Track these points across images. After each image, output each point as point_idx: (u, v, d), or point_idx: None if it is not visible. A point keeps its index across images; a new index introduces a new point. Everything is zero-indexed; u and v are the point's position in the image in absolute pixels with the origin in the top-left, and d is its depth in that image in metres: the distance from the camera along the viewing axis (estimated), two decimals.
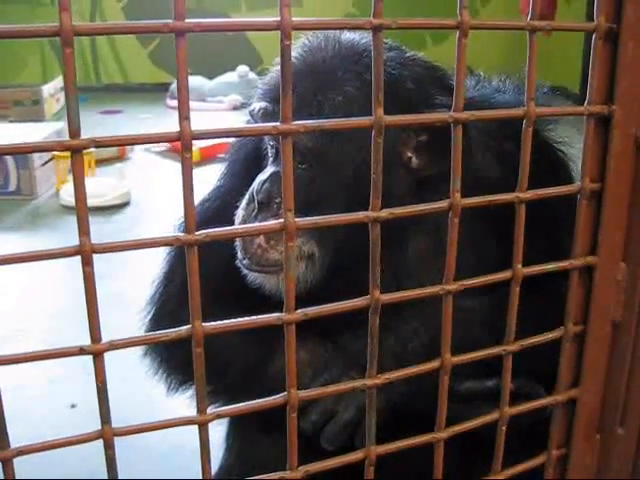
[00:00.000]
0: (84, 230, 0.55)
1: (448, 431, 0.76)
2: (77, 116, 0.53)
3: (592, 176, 0.77)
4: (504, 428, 0.81)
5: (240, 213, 1.15)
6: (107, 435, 0.61)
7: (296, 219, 0.60)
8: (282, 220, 0.60)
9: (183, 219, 0.58)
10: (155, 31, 0.54)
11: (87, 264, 0.56)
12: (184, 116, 0.55)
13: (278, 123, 0.58)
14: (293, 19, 0.57)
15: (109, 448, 0.62)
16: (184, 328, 0.60)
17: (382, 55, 0.61)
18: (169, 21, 0.54)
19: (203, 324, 0.60)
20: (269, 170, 1.16)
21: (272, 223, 0.60)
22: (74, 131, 0.53)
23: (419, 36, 6.95)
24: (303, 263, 1.14)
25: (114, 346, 0.58)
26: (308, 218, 0.61)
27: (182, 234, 0.58)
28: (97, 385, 0.59)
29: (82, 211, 0.55)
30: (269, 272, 1.14)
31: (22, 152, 0.52)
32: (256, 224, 0.57)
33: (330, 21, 0.60)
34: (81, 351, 0.57)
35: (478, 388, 1.07)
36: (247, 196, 1.15)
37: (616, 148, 0.76)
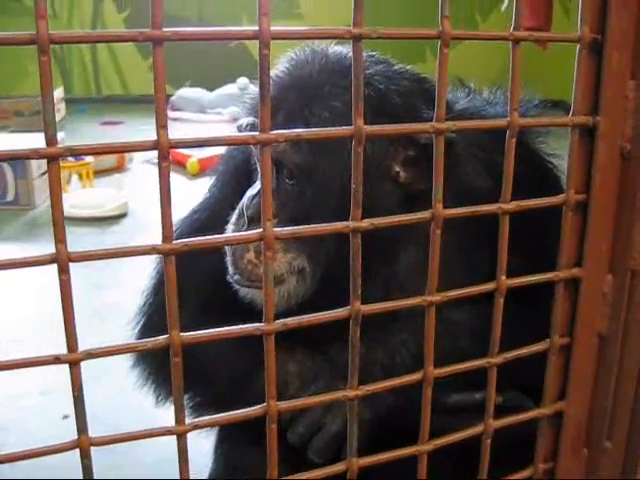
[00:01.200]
0: (60, 238, 0.55)
1: (431, 444, 0.75)
2: (54, 124, 0.53)
3: (577, 187, 0.77)
4: (488, 441, 0.80)
5: (230, 228, 1.15)
6: (83, 444, 0.61)
7: (275, 229, 0.60)
8: (260, 230, 0.60)
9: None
10: (132, 40, 0.54)
11: (63, 272, 0.56)
12: (161, 124, 0.55)
13: (257, 133, 0.58)
14: (271, 28, 0.57)
15: (85, 457, 0.61)
16: (162, 337, 0.60)
17: (362, 65, 0.61)
18: (146, 30, 0.54)
19: (181, 334, 0.60)
20: (258, 185, 1.16)
21: (251, 233, 0.60)
22: (50, 139, 0.53)
23: (419, 49, 6.97)
24: (294, 278, 1.14)
25: (90, 355, 0.58)
26: (287, 228, 0.61)
27: (159, 243, 0.58)
28: (73, 394, 0.59)
29: (58, 219, 0.55)
30: (259, 287, 1.13)
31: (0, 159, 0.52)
32: (235, 234, 0.57)
33: (309, 30, 0.59)
34: (56, 360, 0.57)
35: (467, 401, 1.07)
36: (237, 211, 1.15)
37: (601, 159, 0.76)
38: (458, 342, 1.07)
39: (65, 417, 2.08)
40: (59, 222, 0.55)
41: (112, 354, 0.60)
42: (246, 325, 0.62)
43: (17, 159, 0.52)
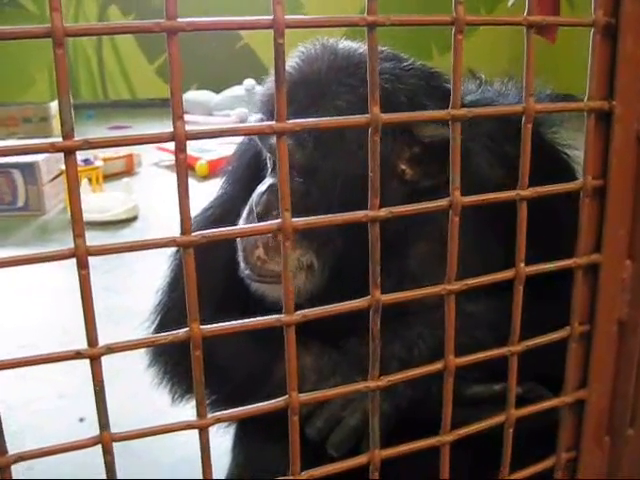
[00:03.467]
0: (78, 232, 0.54)
1: (453, 434, 0.74)
2: (70, 117, 0.53)
3: (594, 173, 0.77)
4: (511, 430, 0.80)
5: (241, 224, 1.14)
6: (106, 440, 0.60)
7: (293, 219, 0.59)
8: (279, 220, 0.59)
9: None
10: (147, 31, 0.53)
11: (82, 267, 0.55)
12: (178, 116, 0.55)
13: (273, 122, 0.58)
14: (286, 17, 0.56)
15: (107, 454, 0.61)
16: (182, 331, 0.60)
17: (377, 53, 0.61)
18: (161, 20, 0.54)
19: (201, 326, 0.59)
20: (267, 182, 1.15)
21: (269, 223, 0.60)
22: (67, 132, 0.53)
23: (425, 46, 6.96)
24: (303, 274, 1.14)
25: (111, 350, 0.58)
26: (305, 218, 0.61)
27: (178, 236, 0.57)
28: (94, 389, 0.59)
29: (76, 213, 0.54)
30: (270, 282, 1.13)
31: (15, 153, 0.52)
32: (253, 225, 0.56)
33: (323, 19, 0.59)
34: (77, 355, 0.57)
35: (485, 392, 1.06)
36: (247, 207, 1.15)
37: (618, 144, 0.75)
38: (474, 334, 1.06)
39: (81, 420, 2.08)
40: (77, 217, 0.55)
41: (132, 348, 0.59)
42: (266, 317, 0.62)
43: (35, 153, 0.52)
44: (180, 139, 0.55)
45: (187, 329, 0.60)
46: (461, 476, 0.81)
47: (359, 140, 1.05)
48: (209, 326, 0.60)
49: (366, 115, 0.61)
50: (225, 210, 1.27)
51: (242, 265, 1.15)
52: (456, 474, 0.78)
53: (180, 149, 0.55)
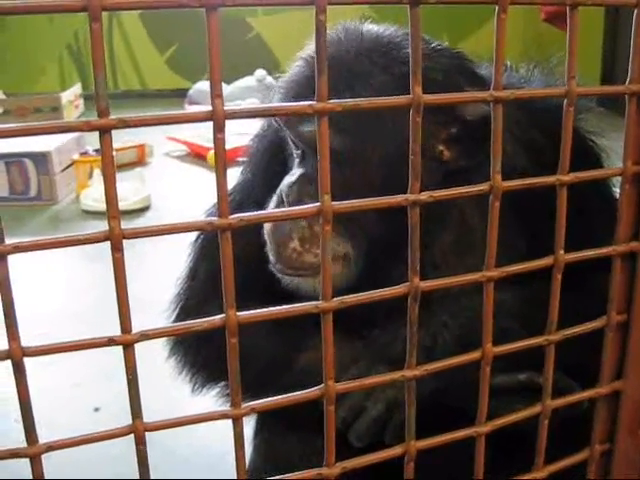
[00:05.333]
0: (113, 214, 0.53)
1: (490, 425, 0.73)
2: (105, 95, 0.51)
3: (635, 158, 0.74)
4: (546, 422, 0.78)
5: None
6: (138, 430, 0.59)
7: (333, 203, 0.58)
8: (319, 204, 0.58)
9: (215, 205, 0.56)
10: (186, 6, 0.51)
11: (117, 250, 0.54)
12: (216, 94, 0.53)
13: (314, 102, 0.56)
14: None
15: (140, 444, 0.59)
16: (217, 317, 0.58)
17: (420, 32, 0.59)
18: None
19: (237, 313, 0.58)
20: (297, 172, 1.13)
21: (309, 207, 0.58)
22: (103, 110, 0.51)
23: (438, 36, 6.93)
24: (338, 264, 1.12)
25: (145, 336, 0.56)
26: (345, 202, 0.59)
27: (215, 218, 0.56)
28: (127, 378, 0.57)
29: (111, 196, 0.53)
30: (305, 275, 1.12)
31: (49, 132, 0.50)
32: (292, 208, 0.55)
33: None
34: (110, 342, 0.55)
35: (510, 382, 1.04)
36: (275, 198, 1.13)
37: None
38: (501, 323, 1.05)
39: (96, 410, 2.07)
40: (112, 199, 0.53)
41: (167, 335, 0.58)
42: (303, 304, 0.60)
43: (71, 131, 0.50)
44: (219, 118, 0.53)
45: (223, 315, 0.58)
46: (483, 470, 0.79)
47: (396, 122, 1.03)
48: (245, 312, 0.58)
49: (408, 95, 0.59)
50: (244, 197, 1.25)
51: (273, 259, 1.13)
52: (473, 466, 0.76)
53: (219, 128, 0.53)
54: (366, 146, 1.08)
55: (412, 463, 0.69)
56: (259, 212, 0.58)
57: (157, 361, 1.28)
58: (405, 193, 0.61)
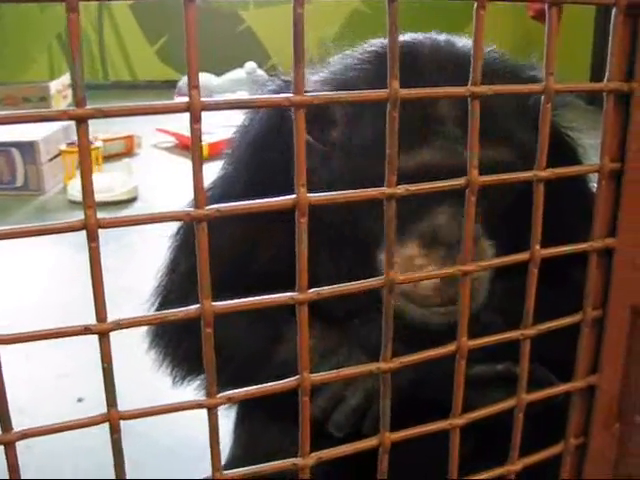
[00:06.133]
0: (89, 204, 0.53)
1: (464, 417, 0.73)
2: (83, 84, 0.51)
3: (612, 155, 0.75)
4: (521, 415, 0.79)
5: None
6: (113, 418, 0.59)
7: (308, 195, 0.58)
8: (294, 196, 0.58)
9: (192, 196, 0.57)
10: None
11: (92, 239, 0.54)
12: (193, 85, 0.53)
13: (291, 94, 0.56)
14: None
15: (115, 432, 0.60)
16: (193, 307, 0.58)
17: (397, 26, 0.59)
18: None
19: (213, 303, 0.58)
20: None
21: (284, 198, 0.58)
22: (79, 100, 0.51)
23: (428, 29, 6.92)
24: None
25: (120, 325, 0.56)
26: (321, 194, 0.59)
27: (192, 209, 0.56)
28: (103, 366, 0.57)
29: (87, 185, 0.53)
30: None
31: (27, 121, 0.50)
32: (267, 200, 0.55)
33: None
34: (86, 330, 0.55)
35: (488, 373, 1.05)
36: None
37: (636, 126, 0.74)
38: (484, 317, 1.05)
39: (79, 400, 2.08)
40: (88, 188, 0.53)
41: (142, 324, 0.58)
42: (278, 295, 0.61)
43: (47, 121, 0.50)
44: (195, 109, 0.53)
45: (198, 306, 0.58)
46: (461, 461, 0.80)
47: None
48: (221, 303, 0.59)
49: (385, 90, 0.59)
50: (225, 191, 1.25)
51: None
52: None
53: (196, 119, 0.53)
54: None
55: (386, 455, 0.70)
56: (237, 203, 0.58)
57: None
58: None
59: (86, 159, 0.52)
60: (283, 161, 1.05)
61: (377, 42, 1.15)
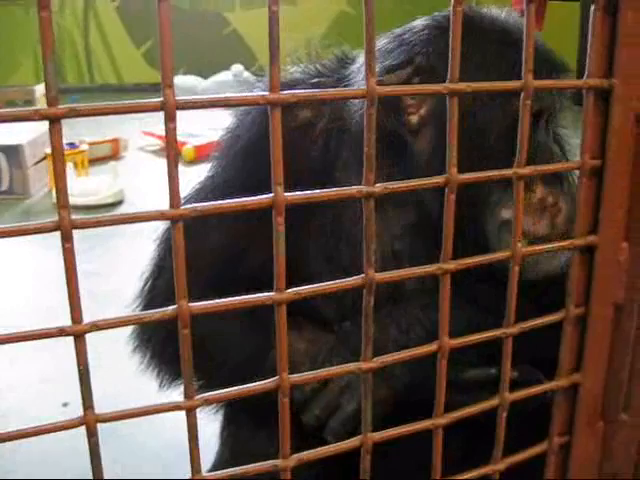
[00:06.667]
0: (63, 204, 0.52)
1: (447, 417, 0.73)
2: (56, 83, 0.51)
3: (592, 152, 0.75)
4: (504, 415, 0.78)
5: None
6: (89, 422, 0.58)
7: (286, 194, 0.58)
8: (271, 195, 0.57)
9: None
10: None
11: (67, 240, 0.53)
12: (167, 84, 0.53)
13: (267, 93, 0.56)
14: None
15: (92, 435, 0.59)
16: (170, 308, 0.58)
17: (374, 23, 0.59)
18: None
19: (190, 304, 0.57)
20: None
21: (261, 197, 0.58)
22: (52, 100, 0.51)
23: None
24: None
25: (97, 327, 0.56)
26: (298, 193, 0.59)
27: (167, 209, 0.55)
28: (78, 368, 0.57)
29: (61, 184, 0.52)
30: None
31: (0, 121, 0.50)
32: (244, 199, 0.54)
33: None
34: (61, 332, 0.55)
35: (482, 376, 1.05)
36: None
37: (617, 123, 0.74)
38: (475, 317, 1.05)
39: (65, 405, 2.06)
40: (61, 187, 0.53)
41: (118, 325, 0.57)
42: (257, 295, 0.60)
43: (19, 121, 0.49)
44: (170, 108, 0.53)
45: (175, 306, 0.58)
46: (451, 461, 0.80)
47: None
48: (198, 303, 0.58)
49: (362, 88, 0.59)
50: (216, 196, 1.23)
51: None
52: (447, 460, 0.77)
53: (170, 118, 0.53)
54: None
55: (368, 456, 0.69)
56: (212, 203, 0.57)
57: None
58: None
59: (59, 159, 0.52)
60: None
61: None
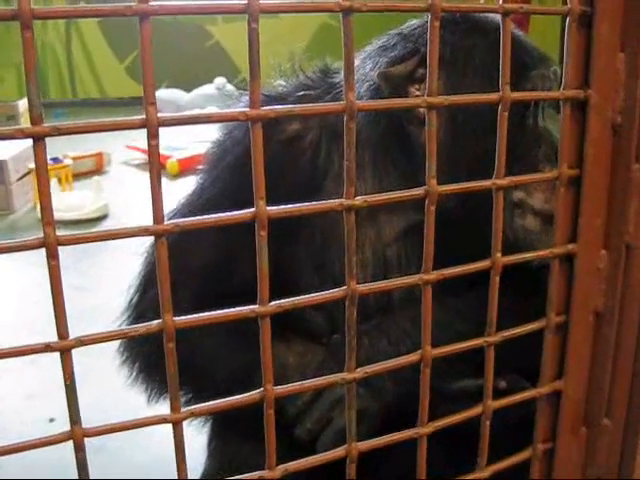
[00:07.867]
0: (48, 221, 0.53)
1: (431, 426, 0.74)
2: (39, 102, 0.51)
3: (570, 162, 0.76)
4: (488, 422, 0.79)
5: None
6: (77, 436, 0.59)
7: (268, 208, 0.58)
8: (253, 209, 0.58)
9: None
10: (119, 14, 0.52)
11: (52, 257, 0.54)
12: (150, 102, 0.53)
13: (247, 109, 0.57)
14: (260, 2, 0.55)
15: (80, 450, 0.60)
16: (155, 322, 0.58)
17: (352, 39, 0.60)
18: (132, 4, 0.53)
19: (175, 318, 0.58)
20: None
21: (244, 212, 0.58)
22: (35, 118, 0.51)
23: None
24: None
25: (82, 342, 0.56)
26: (280, 207, 0.60)
27: (151, 224, 0.56)
28: (65, 384, 0.57)
29: (46, 201, 0.53)
30: None
31: None
32: (228, 214, 0.55)
33: (298, 3, 0.58)
34: (47, 348, 0.55)
35: (470, 386, 1.06)
36: None
37: (593, 132, 0.75)
38: (459, 327, 1.06)
39: (51, 420, 2.06)
40: (46, 205, 0.53)
41: (104, 340, 0.58)
42: (240, 307, 0.61)
43: (3, 139, 0.50)
44: (152, 125, 0.54)
45: (160, 321, 0.58)
46: (436, 470, 0.81)
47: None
48: (182, 317, 0.59)
49: (342, 102, 0.60)
50: (202, 209, 1.22)
51: None
52: (432, 468, 0.77)
53: (152, 135, 0.54)
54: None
55: (353, 465, 0.70)
56: (196, 218, 0.58)
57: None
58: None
59: (44, 176, 0.52)
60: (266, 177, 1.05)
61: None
